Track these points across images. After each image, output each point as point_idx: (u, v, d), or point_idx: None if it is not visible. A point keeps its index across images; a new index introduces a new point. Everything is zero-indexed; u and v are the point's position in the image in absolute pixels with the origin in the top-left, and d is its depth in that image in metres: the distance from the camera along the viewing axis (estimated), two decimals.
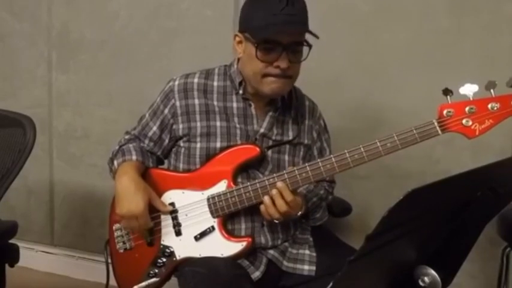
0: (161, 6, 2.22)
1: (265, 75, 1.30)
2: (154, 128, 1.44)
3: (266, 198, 1.26)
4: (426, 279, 0.89)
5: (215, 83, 1.42)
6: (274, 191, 1.25)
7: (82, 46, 2.40)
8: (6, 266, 1.64)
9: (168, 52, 2.22)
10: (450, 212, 0.90)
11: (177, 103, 1.40)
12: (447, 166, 1.83)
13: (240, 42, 1.36)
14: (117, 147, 1.46)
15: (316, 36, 1.28)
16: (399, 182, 1.84)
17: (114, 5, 2.31)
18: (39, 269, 2.52)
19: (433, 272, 0.89)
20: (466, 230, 0.96)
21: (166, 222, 1.38)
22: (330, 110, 1.69)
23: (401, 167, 1.87)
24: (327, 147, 1.53)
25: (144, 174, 1.41)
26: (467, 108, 1.19)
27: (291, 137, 1.42)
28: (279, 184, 1.25)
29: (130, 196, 1.31)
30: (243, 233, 1.35)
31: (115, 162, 1.42)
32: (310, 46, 1.32)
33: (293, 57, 1.29)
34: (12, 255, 1.63)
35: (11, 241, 1.65)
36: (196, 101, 1.40)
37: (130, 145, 1.45)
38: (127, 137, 1.50)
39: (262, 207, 1.27)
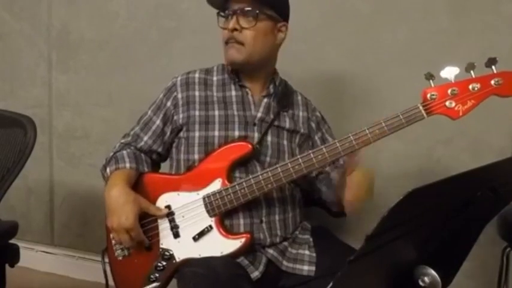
0: (161, 6, 2.22)
1: (226, 43, 1.40)
2: (158, 122, 1.47)
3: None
4: (426, 279, 0.89)
5: (214, 78, 1.49)
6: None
7: (82, 46, 2.39)
8: (6, 266, 1.63)
9: (168, 52, 2.22)
10: (450, 212, 0.90)
11: (179, 95, 1.45)
12: (447, 166, 1.83)
13: None
14: (111, 154, 1.47)
15: (256, 13, 1.35)
16: (399, 182, 1.84)
17: (114, 5, 2.31)
18: (39, 269, 2.52)
19: (433, 272, 0.89)
20: (466, 230, 0.97)
21: (164, 225, 1.37)
22: (329, 109, 1.69)
23: (400, 167, 1.87)
24: (328, 138, 1.54)
25: (138, 179, 1.41)
26: (449, 91, 1.22)
27: (287, 123, 1.46)
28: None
29: (119, 209, 1.30)
30: (241, 229, 1.35)
31: (108, 170, 1.42)
32: (256, 14, 1.36)
33: (244, 22, 1.37)
34: (12, 255, 1.62)
35: (11, 241, 1.65)
36: (197, 93, 1.45)
37: (124, 152, 1.45)
38: (123, 140, 1.50)
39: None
